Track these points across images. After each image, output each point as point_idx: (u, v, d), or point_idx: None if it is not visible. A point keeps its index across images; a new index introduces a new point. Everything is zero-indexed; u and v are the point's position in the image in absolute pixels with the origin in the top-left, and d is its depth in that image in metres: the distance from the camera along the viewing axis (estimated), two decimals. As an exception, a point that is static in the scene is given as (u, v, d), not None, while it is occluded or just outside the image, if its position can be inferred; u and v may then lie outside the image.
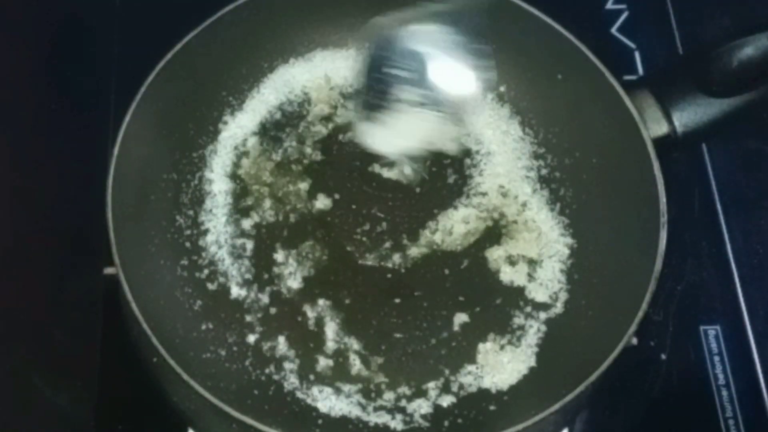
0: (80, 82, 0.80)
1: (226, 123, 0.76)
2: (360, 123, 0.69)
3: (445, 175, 0.75)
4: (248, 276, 0.70)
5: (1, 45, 0.74)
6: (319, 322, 0.69)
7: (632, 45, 0.86)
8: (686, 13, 0.87)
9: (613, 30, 0.87)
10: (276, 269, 0.71)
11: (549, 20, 0.73)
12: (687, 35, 0.86)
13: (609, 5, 0.89)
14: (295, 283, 0.70)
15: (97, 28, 0.84)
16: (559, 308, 0.70)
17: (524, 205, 0.74)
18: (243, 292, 0.70)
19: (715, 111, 0.70)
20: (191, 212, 0.72)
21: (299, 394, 0.66)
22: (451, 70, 0.67)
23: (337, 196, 0.74)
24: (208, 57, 0.73)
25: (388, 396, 0.66)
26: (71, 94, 0.79)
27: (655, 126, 0.70)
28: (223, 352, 0.67)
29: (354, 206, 0.73)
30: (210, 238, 0.72)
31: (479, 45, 0.66)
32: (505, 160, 0.76)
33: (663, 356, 0.72)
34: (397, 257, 0.71)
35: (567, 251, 0.72)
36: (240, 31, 0.74)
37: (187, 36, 0.71)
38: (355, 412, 0.66)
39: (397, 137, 0.68)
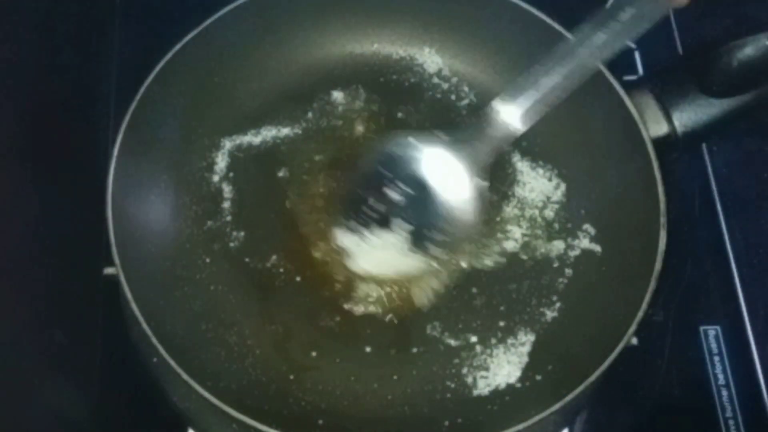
0: (80, 82, 0.80)
1: (226, 123, 0.76)
2: (340, 233, 0.69)
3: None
4: (248, 276, 0.70)
5: (1, 45, 0.74)
6: (315, 331, 0.69)
7: (632, 45, 0.86)
8: (686, 13, 0.87)
9: (613, 30, 0.87)
10: (274, 272, 0.71)
11: (549, 20, 0.73)
12: (687, 35, 0.86)
13: (609, 5, 0.89)
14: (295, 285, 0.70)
15: (97, 27, 0.84)
16: (559, 308, 0.70)
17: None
18: (242, 292, 0.70)
19: (715, 111, 0.70)
20: (191, 212, 0.72)
21: (299, 394, 0.66)
22: (445, 206, 0.65)
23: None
24: (208, 57, 0.73)
25: (390, 396, 0.67)
26: (71, 94, 0.79)
27: (655, 126, 0.70)
28: (223, 352, 0.67)
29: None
30: (210, 238, 0.72)
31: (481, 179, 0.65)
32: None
33: (663, 356, 0.72)
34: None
35: (568, 251, 0.72)
36: (240, 31, 0.74)
37: (187, 36, 0.71)
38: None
39: (373, 259, 0.68)
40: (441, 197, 0.66)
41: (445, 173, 0.65)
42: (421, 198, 0.66)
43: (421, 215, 0.66)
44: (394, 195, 0.66)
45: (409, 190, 0.66)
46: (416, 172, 0.66)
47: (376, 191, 0.67)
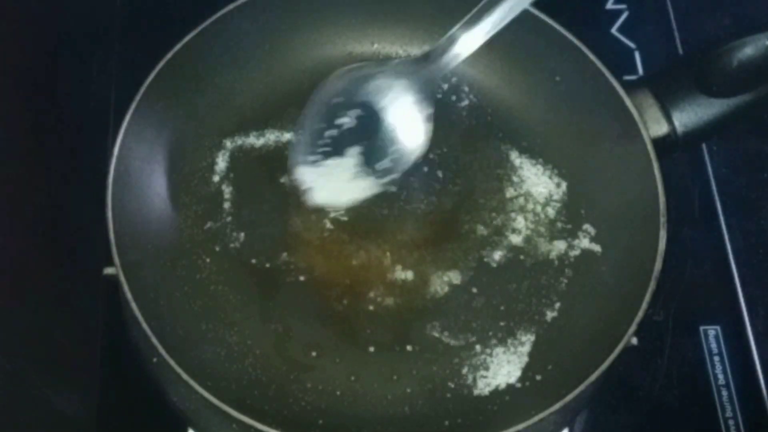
0: (80, 83, 0.80)
1: (227, 124, 0.76)
2: (296, 169, 0.70)
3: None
4: (248, 276, 0.70)
5: (1, 45, 0.74)
6: (316, 330, 0.69)
7: (632, 45, 0.86)
8: (686, 13, 0.87)
9: (613, 30, 0.87)
10: (275, 272, 0.71)
11: (549, 20, 0.73)
12: (687, 35, 0.86)
13: (609, 5, 0.89)
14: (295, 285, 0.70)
15: (97, 28, 0.84)
16: (559, 308, 0.70)
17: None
18: (242, 292, 0.70)
19: (715, 111, 0.70)
20: (191, 212, 0.72)
21: (299, 394, 0.66)
22: (395, 129, 0.69)
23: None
24: (208, 57, 0.73)
25: (390, 396, 0.67)
26: (71, 95, 0.80)
27: (655, 126, 0.70)
28: (223, 352, 0.67)
29: (364, 211, 0.73)
30: (210, 238, 0.72)
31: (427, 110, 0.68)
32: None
33: (663, 356, 0.72)
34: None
35: (568, 251, 0.72)
36: (240, 31, 0.74)
37: (187, 36, 0.71)
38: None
39: (330, 189, 0.70)
40: (392, 120, 0.69)
41: (395, 97, 0.68)
42: (373, 123, 0.69)
43: (375, 139, 0.69)
44: (348, 123, 0.69)
45: (362, 116, 0.69)
46: (368, 99, 0.69)
47: (331, 121, 0.69)
